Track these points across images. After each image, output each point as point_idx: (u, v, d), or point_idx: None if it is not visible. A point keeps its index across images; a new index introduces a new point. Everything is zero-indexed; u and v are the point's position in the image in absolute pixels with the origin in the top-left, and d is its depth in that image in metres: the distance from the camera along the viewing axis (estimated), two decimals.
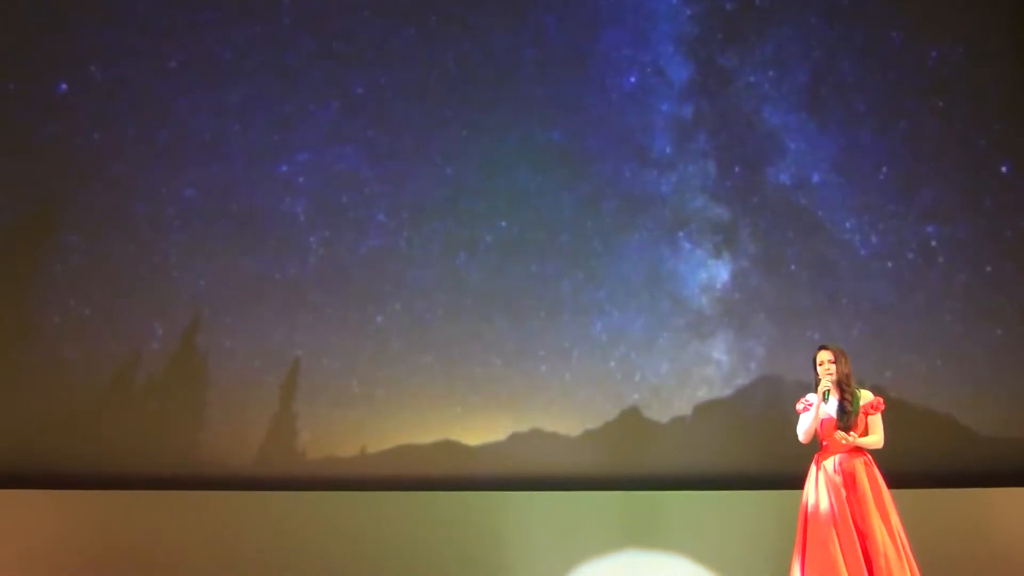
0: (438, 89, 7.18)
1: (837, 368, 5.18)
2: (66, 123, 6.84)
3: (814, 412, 5.18)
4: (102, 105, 6.86)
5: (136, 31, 6.93)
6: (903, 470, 5.82)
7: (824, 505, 5.08)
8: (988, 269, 7.52)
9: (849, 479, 5.13)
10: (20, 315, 6.66)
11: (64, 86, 6.87)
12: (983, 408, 7.33)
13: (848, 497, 5.09)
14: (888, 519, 5.09)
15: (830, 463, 5.17)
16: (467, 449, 6.89)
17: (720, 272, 7.36)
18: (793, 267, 7.33)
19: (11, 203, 6.77)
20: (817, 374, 5.24)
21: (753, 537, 6.67)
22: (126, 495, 6.42)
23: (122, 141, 6.86)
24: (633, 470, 7.02)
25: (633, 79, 7.39)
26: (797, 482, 6.77)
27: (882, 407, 5.21)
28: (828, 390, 5.17)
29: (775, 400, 7.17)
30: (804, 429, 5.19)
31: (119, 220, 6.81)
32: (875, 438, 5.20)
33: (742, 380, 7.22)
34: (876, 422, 5.21)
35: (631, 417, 7.07)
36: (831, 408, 5.16)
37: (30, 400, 6.55)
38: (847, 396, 5.14)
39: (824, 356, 5.22)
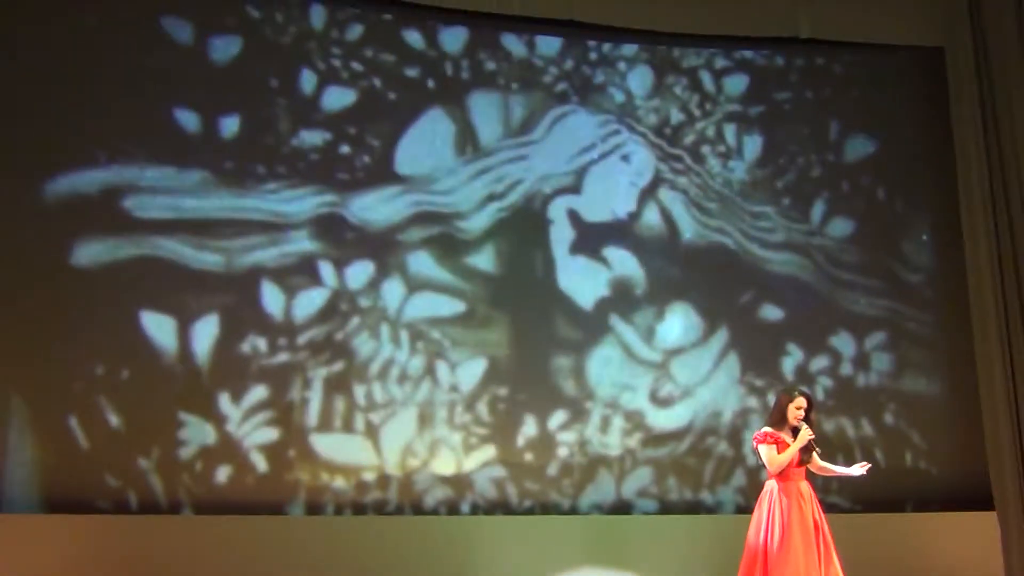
0: (419, 160, 7.66)
1: (811, 414, 5.63)
2: (76, 144, 7.04)
3: (793, 451, 5.49)
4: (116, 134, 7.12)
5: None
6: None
7: (793, 533, 5.38)
8: (911, 326, 8.26)
9: (809, 506, 5.53)
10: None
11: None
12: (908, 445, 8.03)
13: (813, 523, 5.47)
14: (831, 545, 5.52)
15: (795, 490, 5.53)
16: (437, 477, 7.29)
17: (675, 327, 7.87)
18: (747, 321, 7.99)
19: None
20: (785, 411, 5.64)
21: (691, 561, 7.20)
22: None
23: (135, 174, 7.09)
24: (594, 498, 7.50)
25: (595, 155, 7.99)
26: (728, 507, 7.57)
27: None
28: (813, 438, 5.54)
29: (720, 439, 7.77)
30: (779, 463, 5.51)
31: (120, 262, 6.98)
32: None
33: (700, 421, 7.76)
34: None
35: (595, 454, 7.56)
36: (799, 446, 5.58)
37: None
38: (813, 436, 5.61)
39: (803, 402, 5.63)
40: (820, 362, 8.07)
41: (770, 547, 5.40)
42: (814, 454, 5.67)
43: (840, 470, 5.95)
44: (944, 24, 8.53)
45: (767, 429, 5.68)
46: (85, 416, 6.76)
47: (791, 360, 8.02)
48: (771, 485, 5.62)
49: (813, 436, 5.57)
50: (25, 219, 6.87)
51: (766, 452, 5.61)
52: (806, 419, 5.61)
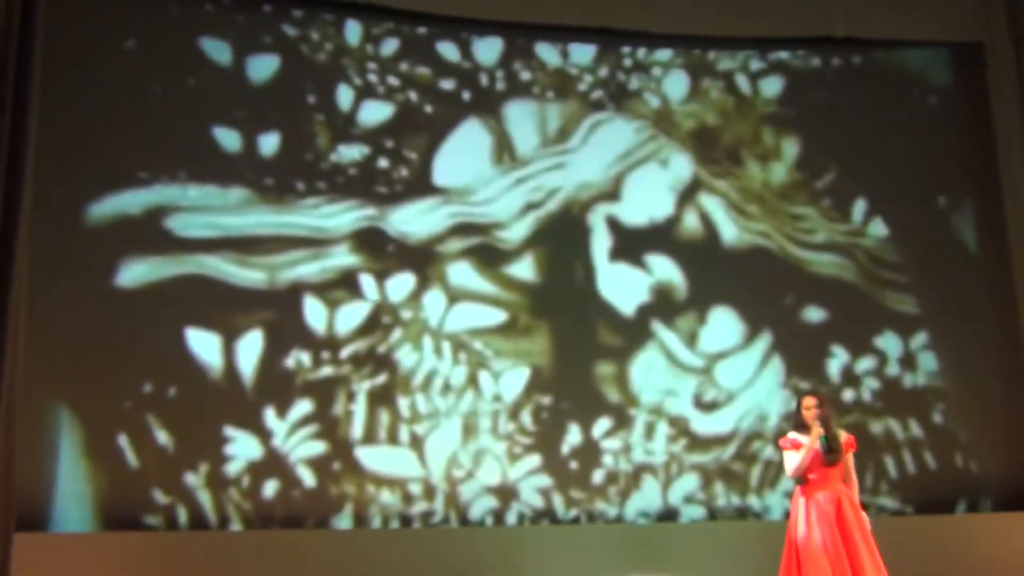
0: (457, 171, 7.70)
1: (821, 411, 5.55)
2: (119, 165, 7.08)
3: (808, 452, 5.45)
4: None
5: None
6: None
7: (817, 537, 5.34)
8: (957, 324, 8.15)
9: (838, 511, 5.43)
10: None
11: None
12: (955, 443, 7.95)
13: (840, 529, 5.37)
14: (872, 550, 5.39)
15: (821, 496, 5.45)
16: (482, 488, 7.32)
17: (718, 332, 7.85)
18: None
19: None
20: (801, 415, 5.62)
21: (740, 567, 7.13)
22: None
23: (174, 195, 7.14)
24: (640, 505, 7.50)
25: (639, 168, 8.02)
26: (776, 512, 7.55)
27: (855, 447, 5.68)
28: (823, 435, 5.47)
29: (766, 443, 7.71)
30: (796, 465, 5.51)
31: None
32: (855, 477, 5.67)
33: (746, 425, 7.75)
34: (851, 460, 5.66)
35: (640, 461, 7.56)
36: (820, 446, 5.52)
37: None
38: (831, 435, 5.53)
39: (810, 402, 5.61)
40: (866, 363, 8.03)
41: (800, 553, 5.40)
42: (835, 452, 5.56)
43: (856, 495, 5.67)
44: (983, 19, 8.45)
45: (790, 435, 5.68)
46: (134, 434, 6.84)
47: (836, 362, 7.99)
48: (797, 489, 5.63)
49: (822, 432, 5.50)
50: (70, 241, 6.98)
51: (785, 458, 5.66)
52: (822, 418, 5.55)
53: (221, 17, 7.49)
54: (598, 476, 7.53)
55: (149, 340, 6.99)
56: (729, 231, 8.06)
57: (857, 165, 8.34)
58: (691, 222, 8.02)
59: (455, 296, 7.57)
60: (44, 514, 6.60)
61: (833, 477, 5.56)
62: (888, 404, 7.95)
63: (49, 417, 6.71)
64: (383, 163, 7.63)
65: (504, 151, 7.84)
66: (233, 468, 6.99)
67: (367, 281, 7.45)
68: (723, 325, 7.92)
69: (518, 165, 7.85)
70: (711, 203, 8.07)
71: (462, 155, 7.76)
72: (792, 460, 5.58)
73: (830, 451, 5.53)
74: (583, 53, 8.14)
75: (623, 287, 7.83)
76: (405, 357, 7.41)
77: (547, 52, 8.09)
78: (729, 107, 8.27)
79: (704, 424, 7.76)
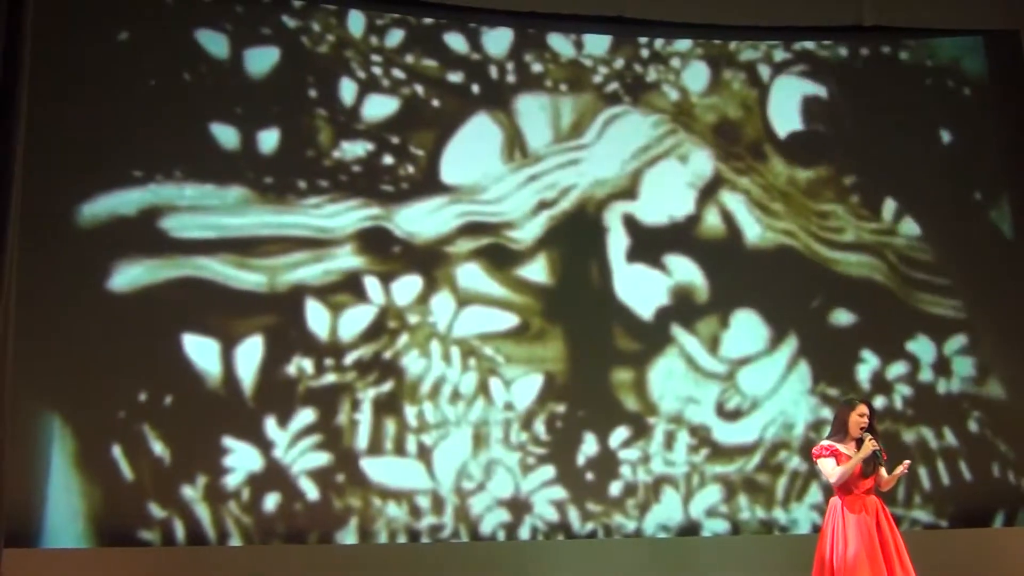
0: (466, 168, 7.54)
1: (872, 422, 5.36)
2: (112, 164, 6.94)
3: (856, 462, 5.22)
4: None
5: None
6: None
7: (855, 551, 5.16)
8: (994, 327, 7.92)
9: (876, 523, 5.26)
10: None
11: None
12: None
13: (879, 540, 5.22)
14: (907, 566, 5.22)
15: (861, 505, 5.27)
16: (494, 500, 7.14)
17: (741, 336, 7.67)
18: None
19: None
20: (847, 422, 5.36)
21: None
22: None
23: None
24: (660, 519, 7.31)
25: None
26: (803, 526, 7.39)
27: (885, 455, 5.39)
28: (877, 449, 5.25)
29: (792, 452, 7.55)
30: (840, 474, 5.25)
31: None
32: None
33: (771, 434, 7.55)
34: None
35: (659, 472, 7.39)
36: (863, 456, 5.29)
37: None
38: (880, 447, 5.32)
39: (864, 410, 5.38)
40: (897, 369, 7.81)
41: (836, 566, 5.20)
42: (881, 467, 5.37)
43: (896, 473, 5.45)
44: (1018, 5, 8.22)
45: (825, 442, 5.46)
46: (129, 445, 6.70)
47: (866, 367, 7.79)
48: (835, 501, 5.42)
49: (878, 447, 5.30)
50: (62, 243, 6.83)
51: (825, 465, 5.40)
52: (869, 428, 5.37)
53: (218, 8, 7.33)
54: (615, 488, 7.36)
55: (144, 346, 6.84)
56: (752, 230, 7.87)
57: (887, 159, 8.13)
58: (712, 221, 7.84)
59: (464, 299, 7.40)
60: (34, 529, 6.46)
61: (869, 489, 5.39)
62: (921, 412, 7.74)
63: (40, 427, 6.57)
64: (388, 160, 7.45)
65: (515, 147, 7.67)
66: (232, 480, 6.82)
67: (372, 284, 7.27)
68: (746, 329, 7.72)
69: (530, 161, 7.67)
70: (733, 200, 7.88)
71: (471, 151, 7.58)
72: (835, 469, 5.33)
73: (870, 462, 5.33)
74: (598, 43, 7.95)
75: (641, 289, 7.65)
76: (412, 363, 7.23)
77: (560, 43, 7.91)
78: (752, 99, 8.09)
79: (727, 433, 7.56)
